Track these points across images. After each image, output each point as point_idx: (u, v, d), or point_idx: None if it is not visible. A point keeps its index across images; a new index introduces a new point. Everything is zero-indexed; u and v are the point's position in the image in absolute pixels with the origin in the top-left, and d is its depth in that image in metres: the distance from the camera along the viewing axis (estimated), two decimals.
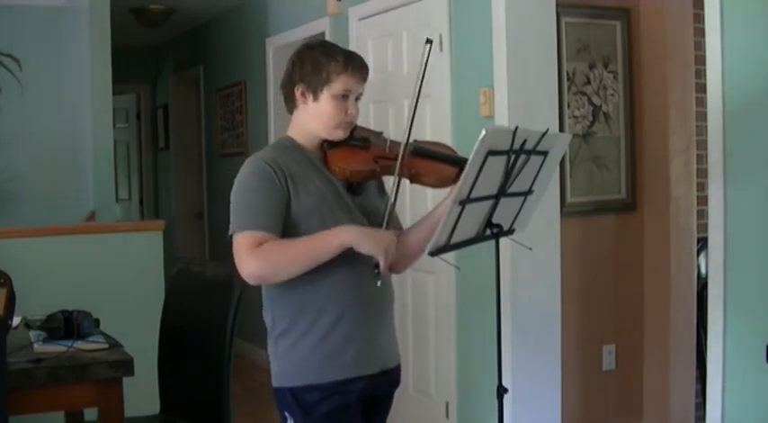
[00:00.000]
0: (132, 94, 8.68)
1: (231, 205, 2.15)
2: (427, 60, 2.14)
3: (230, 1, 6.34)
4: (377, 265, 2.09)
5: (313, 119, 2.23)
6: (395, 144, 2.23)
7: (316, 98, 2.21)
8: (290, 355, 2.19)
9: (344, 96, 2.21)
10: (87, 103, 5.43)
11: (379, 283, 2.12)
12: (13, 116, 5.56)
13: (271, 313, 2.24)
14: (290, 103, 2.28)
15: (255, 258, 2.06)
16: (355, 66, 2.21)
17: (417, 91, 2.16)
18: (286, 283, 2.13)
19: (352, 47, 4.35)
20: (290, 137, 2.28)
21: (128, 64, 7.03)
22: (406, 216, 3.62)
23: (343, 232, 2.08)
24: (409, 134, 2.17)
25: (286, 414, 2.21)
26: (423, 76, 2.16)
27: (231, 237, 2.11)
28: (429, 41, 2.15)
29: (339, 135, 2.23)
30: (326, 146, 2.24)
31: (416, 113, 2.17)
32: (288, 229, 2.13)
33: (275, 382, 2.23)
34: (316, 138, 2.25)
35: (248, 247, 2.06)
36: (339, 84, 2.19)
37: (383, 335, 2.27)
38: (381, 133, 2.34)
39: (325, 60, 2.20)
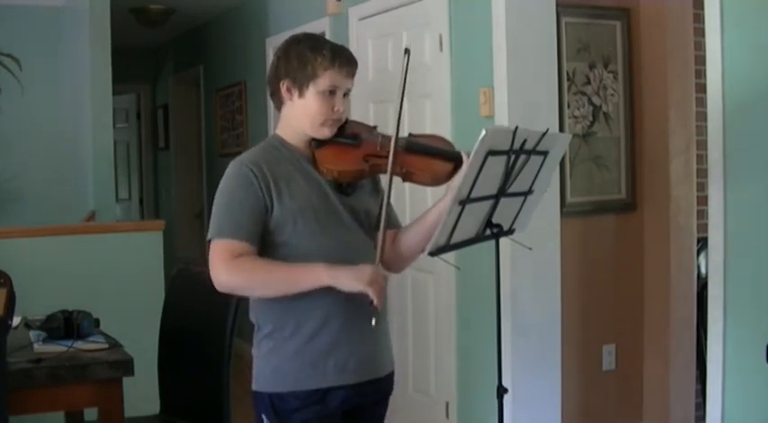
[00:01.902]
0: (132, 94, 8.69)
1: (212, 209, 2.13)
2: (407, 69, 2.09)
3: (230, 1, 6.34)
4: (371, 303, 1.98)
5: (299, 116, 2.16)
6: (386, 140, 2.15)
7: (301, 94, 2.14)
8: (271, 358, 2.17)
9: (332, 92, 2.13)
10: (87, 103, 5.42)
11: (374, 322, 2.02)
12: (13, 116, 5.56)
13: (256, 316, 2.21)
14: (277, 100, 2.21)
15: (229, 271, 2.05)
16: (343, 60, 2.14)
17: (399, 105, 2.12)
18: None
19: (352, 47, 4.34)
20: (278, 135, 2.21)
21: (128, 64, 7.02)
22: (406, 216, 3.62)
23: (319, 272, 2.01)
24: (396, 139, 2.11)
25: (263, 417, 2.18)
26: (404, 86, 2.10)
27: (209, 240, 2.10)
28: (407, 51, 2.11)
29: (325, 133, 2.15)
30: (314, 144, 2.17)
31: (402, 119, 2.12)
32: (272, 232, 2.10)
33: (254, 386, 2.20)
34: (304, 135, 2.17)
35: (224, 257, 2.05)
36: (325, 79, 2.12)
37: (371, 343, 2.18)
38: (375, 128, 2.27)
39: (311, 55, 2.12)
